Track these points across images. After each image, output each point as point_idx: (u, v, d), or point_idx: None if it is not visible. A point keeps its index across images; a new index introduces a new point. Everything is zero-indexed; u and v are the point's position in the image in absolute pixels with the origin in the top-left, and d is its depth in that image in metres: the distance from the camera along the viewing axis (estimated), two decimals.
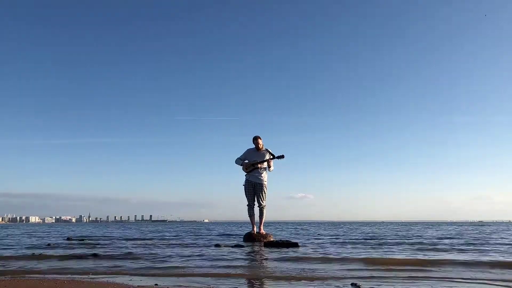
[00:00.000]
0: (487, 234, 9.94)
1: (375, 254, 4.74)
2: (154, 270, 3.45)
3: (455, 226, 21.40)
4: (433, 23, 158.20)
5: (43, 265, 3.83)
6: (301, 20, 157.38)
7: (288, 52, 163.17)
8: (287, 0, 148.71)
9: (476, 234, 10.17)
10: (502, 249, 5.42)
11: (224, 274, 3.21)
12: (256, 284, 2.83)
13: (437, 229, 15.25)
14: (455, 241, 7.10)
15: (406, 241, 7.05)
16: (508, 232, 11.85)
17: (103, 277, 3.06)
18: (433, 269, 3.39)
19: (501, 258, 4.19)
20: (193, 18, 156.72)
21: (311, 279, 2.94)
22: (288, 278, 2.97)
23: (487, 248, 5.46)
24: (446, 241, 7.10)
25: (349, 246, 5.94)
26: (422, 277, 2.97)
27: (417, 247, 5.70)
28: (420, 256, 4.47)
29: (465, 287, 2.66)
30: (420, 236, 9.03)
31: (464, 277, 2.97)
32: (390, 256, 4.46)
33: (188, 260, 4.17)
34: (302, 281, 2.87)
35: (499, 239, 7.87)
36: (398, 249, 5.31)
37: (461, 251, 5.11)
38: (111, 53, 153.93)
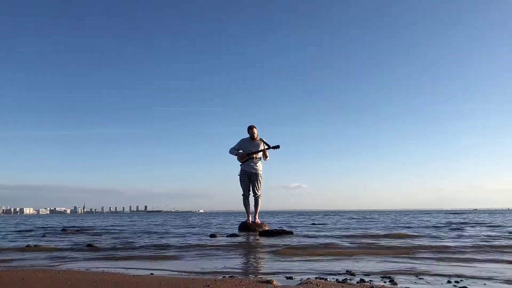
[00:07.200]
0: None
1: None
2: (152, 259, 3.47)
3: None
4: (423, 15, 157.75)
5: (36, 256, 3.83)
6: (292, 12, 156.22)
7: (278, 44, 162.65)
8: None
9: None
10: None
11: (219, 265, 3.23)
12: (249, 273, 2.85)
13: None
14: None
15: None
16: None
17: (103, 267, 3.06)
18: None
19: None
20: (181, 11, 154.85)
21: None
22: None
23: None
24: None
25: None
26: None
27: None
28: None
29: None
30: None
31: None
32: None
33: (183, 250, 4.19)
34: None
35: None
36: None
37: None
38: (101, 47, 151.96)
